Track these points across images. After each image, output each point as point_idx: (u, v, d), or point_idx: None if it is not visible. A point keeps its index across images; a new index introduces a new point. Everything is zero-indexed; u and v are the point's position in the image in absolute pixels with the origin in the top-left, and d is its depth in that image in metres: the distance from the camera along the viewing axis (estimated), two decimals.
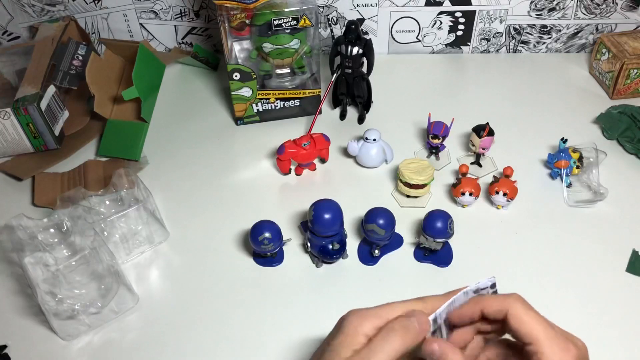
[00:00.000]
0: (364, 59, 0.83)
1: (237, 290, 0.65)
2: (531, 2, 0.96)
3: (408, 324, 0.40)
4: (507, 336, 0.43)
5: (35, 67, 0.84)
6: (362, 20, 0.99)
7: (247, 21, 0.81)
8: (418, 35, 1.01)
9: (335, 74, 0.85)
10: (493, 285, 0.44)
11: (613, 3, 0.96)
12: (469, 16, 0.98)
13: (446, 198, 0.76)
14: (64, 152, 0.84)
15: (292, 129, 0.87)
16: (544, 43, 1.02)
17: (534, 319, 0.41)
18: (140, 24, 1.01)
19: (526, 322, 0.40)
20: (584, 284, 0.65)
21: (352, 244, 0.70)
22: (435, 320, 0.42)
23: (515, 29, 1.00)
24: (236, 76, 0.83)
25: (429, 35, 1.01)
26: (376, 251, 0.67)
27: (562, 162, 0.74)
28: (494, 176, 0.73)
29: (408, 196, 0.74)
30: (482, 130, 0.75)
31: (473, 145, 0.77)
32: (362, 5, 0.98)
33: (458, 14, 0.98)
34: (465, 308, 0.43)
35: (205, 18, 1.01)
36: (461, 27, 1.00)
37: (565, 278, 0.65)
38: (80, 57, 0.87)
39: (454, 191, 0.73)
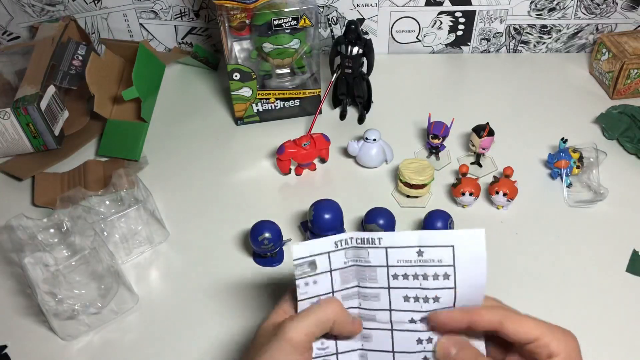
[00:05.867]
0: (364, 59, 0.83)
1: (237, 290, 0.65)
2: (531, 2, 0.96)
3: (326, 307, 0.43)
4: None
5: (35, 67, 0.84)
6: (362, 20, 0.99)
7: (247, 21, 0.81)
8: (418, 35, 1.01)
9: (335, 74, 0.85)
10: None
11: (613, 3, 0.96)
12: (469, 16, 0.98)
13: (446, 198, 0.76)
14: (64, 152, 0.84)
15: (292, 129, 0.87)
16: (544, 43, 1.02)
17: (529, 318, 0.42)
18: (140, 24, 1.01)
19: (524, 323, 0.42)
20: (584, 284, 0.64)
21: None
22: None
23: (515, 29, 1.00)
24: (236, 76, 0.83)
25: (429, 35, 1.01)
26: None
27: (562, 162, 0.74)
28: (494, 176, 0.73)
29: (408, 196, 0.74)
30: (482, 130, 0.75)
31: (473, 145, 0.77)
32: (362, 5, 0.98)
33: (458, 14, 0.98)
34: (452, 318, 0.43)
35: (205, 18, 1.01)
36: (461, 27, 1.00)
37: (565, 278, 0.65)
38: (80, 57, 0.87)
39: (454, 191, 0.72)
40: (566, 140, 0.76)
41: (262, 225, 0.65)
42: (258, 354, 0.42)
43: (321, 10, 0.98)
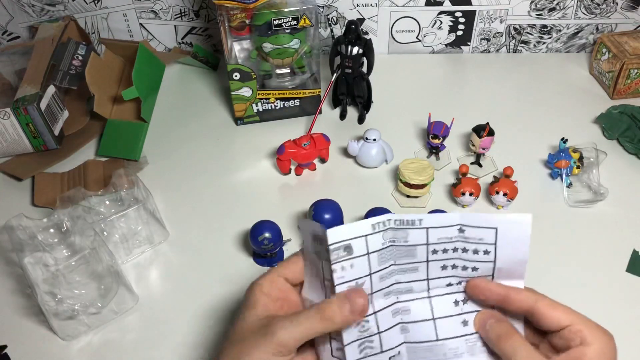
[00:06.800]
0: (364, 59, 0.83)
1: (237, 291, 0.65)
2: (531, 2, 0.96)
3: (332, 314, 0.41)
4: None
5: (35, 67, 0.84)
6: (362, 20, 0.99)
7: (247, 21, 0.81)
8: (418, 35, 1.01)
9: (335, 74, 0.85)
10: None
11: (613, 3, 0.96)
12: (469, 16, 0.98)
13: (446, 198, 0.76)
14: (64, 152, 0.84)
15: (292, 129, 0.87)
16: (544, 43, 1.02)
17: (565, 306, 0.43)
18: (140, 24, 1.01)
19: (559, 308, 0.42)
20: (584, 284, 0.64)
21: None
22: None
23: (515, 28, 1.00)
24: (236, 76, 0.83)
25: (429, 35, 1.01)
26: None
27: (562, 162, 0.74)
28: (494, 176, 0.73)
29: (408, 196, 0.74)
30: (482, 130, 0.75)
31: (473, 145, 0.77)
32: (362, 5, 0.98)
33: (458, 14, 0.98)
34: (488, 287, 0.44)
35: (205, 18, 1.01)
36: (461, 27, 1.00)
37: (565, 278, 0.65)
38: (80, 57, 0.87)
39: (454, 191, 0.72)
40: (566, 140, 0.76)
41: (262, 225, 0.65)
42: (243, 350, 0.41)
43: (321, 10, 0.98)
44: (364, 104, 0.88)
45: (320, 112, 0.87)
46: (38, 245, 0.65)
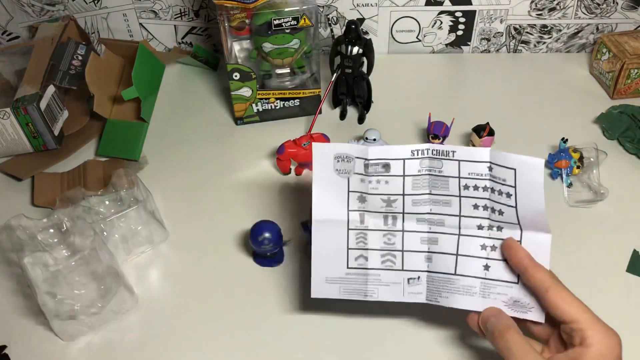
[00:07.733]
0: (364, 59, 0.83)
1: (236, 291, 0.65)
2: (531, 2, 0.96)
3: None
4: None
5: (35, 67, 0.84)
6: (362, 20, 0.99)
7: (247, 21, 0.81)
8: (418, 35, 1.01)
9: (335, 74, 0.85)
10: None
11: (613, 3, 0.96)
12: (469, 16, 0.98)
13: None
14: (64, 152, 0.84)
15: (292, 129, 0.87)
16: (545, 43, 1.02)
17: (576, 301, 0.44)
18: (140, 24, 1.01)
19: (569, 302, 0.44)
20: (584, 284, 0.64)
21: None
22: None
23: (515, 28, 1.00)
24: (236, 76, 0.83)
25: (429, 35, 1.01)
26: None
27: (562, 162, 0.74)
28: None
29: None
30: (482, 130, 0.75)
31: (473, 145, 0.77)
32: (362, 5, 0.97)
33: (458, 14, 0.98)
34: (517, 249, 0.47)
35: (205, 18, 1.01)
36: (461, 27, 1.00)
37: (565, 278, 0.65)
38: (80, 57, 0.87)
39: None
40: (566, 140, 0.76)
41: (262, 225, 0.65)
42: None
43: (321, 10, 0.98)
44: (364, 104, 0.88)
45: (320, 112, 0.87)
46: (38, 245, 0.65)
